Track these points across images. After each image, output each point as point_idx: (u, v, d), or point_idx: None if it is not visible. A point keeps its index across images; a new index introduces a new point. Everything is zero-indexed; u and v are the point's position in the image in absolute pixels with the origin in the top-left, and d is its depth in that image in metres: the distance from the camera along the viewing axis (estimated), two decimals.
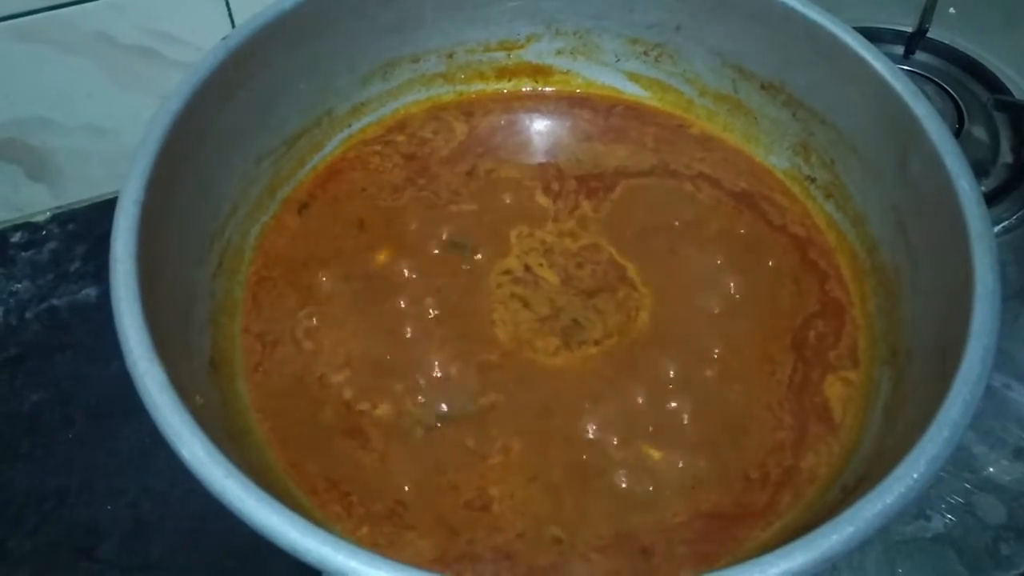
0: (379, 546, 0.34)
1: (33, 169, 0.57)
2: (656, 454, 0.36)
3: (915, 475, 0.28)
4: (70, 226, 0.58)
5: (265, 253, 0.42)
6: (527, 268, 0.42)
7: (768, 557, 0.27)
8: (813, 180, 0.45)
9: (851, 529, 0.27)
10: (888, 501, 0.28)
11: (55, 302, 0.55)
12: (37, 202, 0.59)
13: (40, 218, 0.59)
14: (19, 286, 0.55)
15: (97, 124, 0.56)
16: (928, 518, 0.43)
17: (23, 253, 0.57)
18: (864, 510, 0.28)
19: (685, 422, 0.37)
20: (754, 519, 0.35)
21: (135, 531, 0.46)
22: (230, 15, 0.53)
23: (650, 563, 0.34)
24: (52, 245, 0.57)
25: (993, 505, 0.44)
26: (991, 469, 0.45)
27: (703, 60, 0.46)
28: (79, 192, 0.59)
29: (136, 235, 0.32)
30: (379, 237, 0.43)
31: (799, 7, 0.41)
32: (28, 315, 0.54)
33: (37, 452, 0.49)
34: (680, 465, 0.36)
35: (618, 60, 0.48)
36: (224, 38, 0.38)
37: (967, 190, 0.35)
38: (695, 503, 0.35)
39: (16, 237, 0.58)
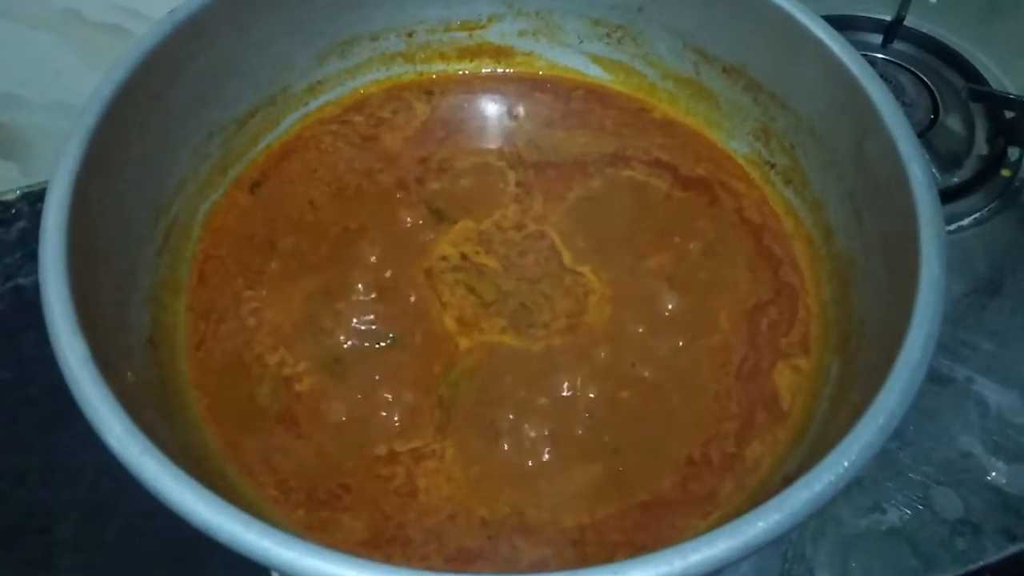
0: (312, 529, 0.33)
1: (2, 147, 0.57)
2: (594, 441, 0.36)
3: (846, 463, 0.28)
4: (39, 205, 0.57)
5: (214, 231, 0.41)
6: (464, 256, 0.41)
7: (690, 543, 0.26)
8: (773, 166, 0.44)
9: (778, 516, 0.27)
10: (817, 489, 0.27)
11: (21, 281, 0.54)
12: (6, 180, 0.58)
13: (9, 196, 0.58)
14: None
15: (66, 102, 0.56)
16: (883, 511, 0.43)
17: None
18: (792, 498, 0.27)
19: (626, 411, 0.37)
20: (694, 508, 0.35)
21: (92, 512, 0.46)
22: None
23: (583, 552, 0.33)
24: (21, 224, 0.57)
25: (949, 499, 0.43)
26: (950, 463, 0.44)
27: (665, 42, 0.46)
28: (49, 171, 0.59)
29: (68, 208, 0.32)
30: (331, 218, 0.42)
31: None
32: None
33: None
34: (618, 454, 0.36)
35: (581, 42, 0.47)
36: (171, 11, 0.38)
37: (918, 174, 0.34)
38: (633, 492, 0.35)
39: None
